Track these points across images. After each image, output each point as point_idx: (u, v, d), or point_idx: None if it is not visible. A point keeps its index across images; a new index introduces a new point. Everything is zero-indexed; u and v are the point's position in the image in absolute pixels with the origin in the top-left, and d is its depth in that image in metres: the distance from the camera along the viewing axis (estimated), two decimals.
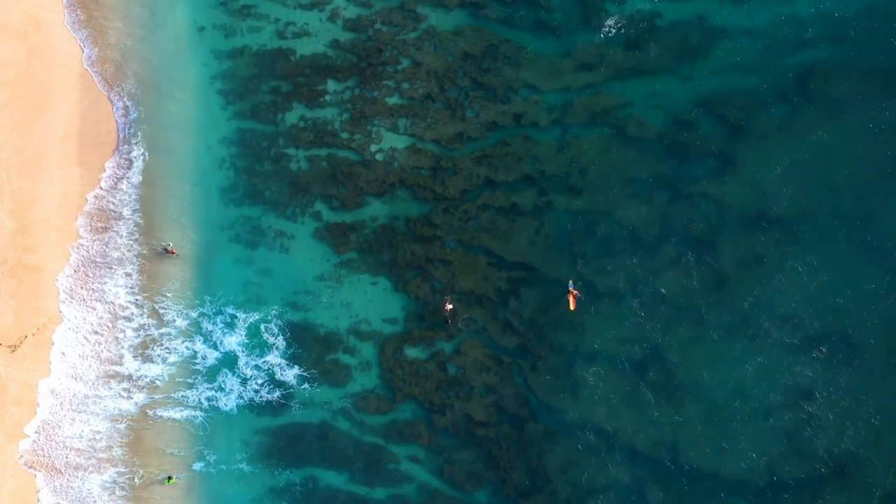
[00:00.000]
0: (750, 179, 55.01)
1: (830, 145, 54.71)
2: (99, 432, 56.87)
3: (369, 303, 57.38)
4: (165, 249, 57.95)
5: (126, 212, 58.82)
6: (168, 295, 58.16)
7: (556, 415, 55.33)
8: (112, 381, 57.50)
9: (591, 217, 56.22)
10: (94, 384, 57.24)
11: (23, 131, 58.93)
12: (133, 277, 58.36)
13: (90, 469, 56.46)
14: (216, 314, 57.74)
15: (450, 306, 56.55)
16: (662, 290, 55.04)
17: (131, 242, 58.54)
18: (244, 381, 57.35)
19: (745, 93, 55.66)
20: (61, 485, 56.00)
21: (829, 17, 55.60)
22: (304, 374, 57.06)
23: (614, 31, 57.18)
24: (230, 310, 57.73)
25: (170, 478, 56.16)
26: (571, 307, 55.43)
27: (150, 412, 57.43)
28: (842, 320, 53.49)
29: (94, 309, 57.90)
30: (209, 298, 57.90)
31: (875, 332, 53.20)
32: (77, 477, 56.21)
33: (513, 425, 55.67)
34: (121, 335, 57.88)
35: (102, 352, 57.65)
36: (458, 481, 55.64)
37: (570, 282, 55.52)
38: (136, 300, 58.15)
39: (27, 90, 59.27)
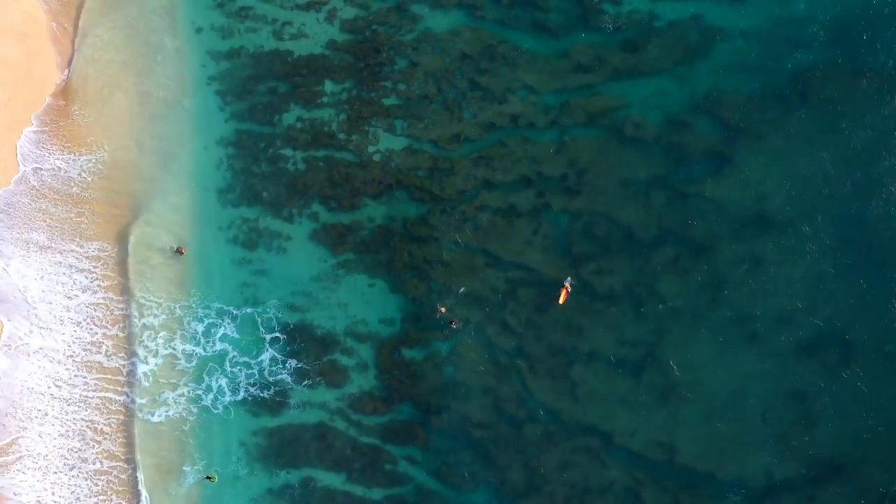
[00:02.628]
0: (748, 180, 54.83)
1: (828, 146, 54.50)
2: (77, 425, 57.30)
3: (366, 304, 57.45)
4: (177, 250, 58.12)
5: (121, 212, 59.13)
6: (165, 295, 58.43)
7: (554, 415, 55.33)
8: (95, 377, 57.95)
9: (588, 218, 56.14)
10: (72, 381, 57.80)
11: (23, 132, 59.07)
12: (138, 278, 58.64)
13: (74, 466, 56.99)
14: (211, 314, 57.89)
15: (443, 310, 56.58)
16: (660, 291, 54.96)
17: (128, 241, 58.81)
18: (240, 381, 57.50)
19: (743, 94, 55.45)
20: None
21: (826, 18, 55.35)
22: (301, 374, 57.19)
23: (612, 29, 57.00)
24: (226, 309, 57.90)
25: (209, 476, 56.45)
26: (560, 301, 55.40)
27: (140, 413, 57.73)
28: (840, 321, 53.32)
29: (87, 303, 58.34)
30: (205, 298, 58.11)
31: (873, 334, 53.01)
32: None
33: (510, 426, 55.71)
34: (115, 333, 58.18)
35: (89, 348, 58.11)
36: (455, 482, 55.74)
37: (568, 277, 55.44)
38: (138, 300, 58.46)
39: (27, 91, 59.39)
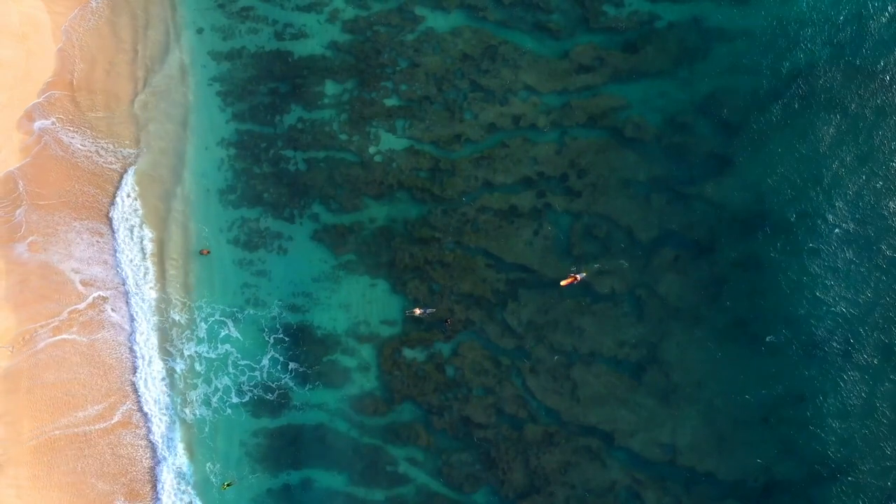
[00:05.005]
0: (747, 181, 55.00)
1: (828, 146, 54.70)
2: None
3: (368, 304, 57.44)
4: (199, 251, 58.15)
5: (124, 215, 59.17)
6: (165, 297, 58.37)
7: (555, 416, 55.37)
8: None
9: (588, 219, 56.22)
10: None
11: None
12: (140, 282, 58.65)
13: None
14: (216, 315, 57.83)
15: (417, 312, 56.65)
16: (660, 291, 55.04)
17: (128, 244, 58.78)
18: (242, 383, 57.42)
19: (743, 94, 55.64)
20: None
21: (826, 19, 55.62)
22: (303, 375, 57.13)
23: (624, 28, 56.91)
24: (228, 311, 57.83)
25: (228, 483, 56.45)
26: (563, 283, 55.46)
27: (174, 411, 57.99)
28: (839, 322, 53.47)
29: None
30: (210, 300, 58.08)
31: (873, 334, 53.16)
32: None
33: (511, 427, 55.73)
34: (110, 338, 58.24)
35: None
36: (456, 483, 55.70)
37: (584, 273, 55.49)
38: (169, 297, 58.72)
39: (26, 91, 59.23)
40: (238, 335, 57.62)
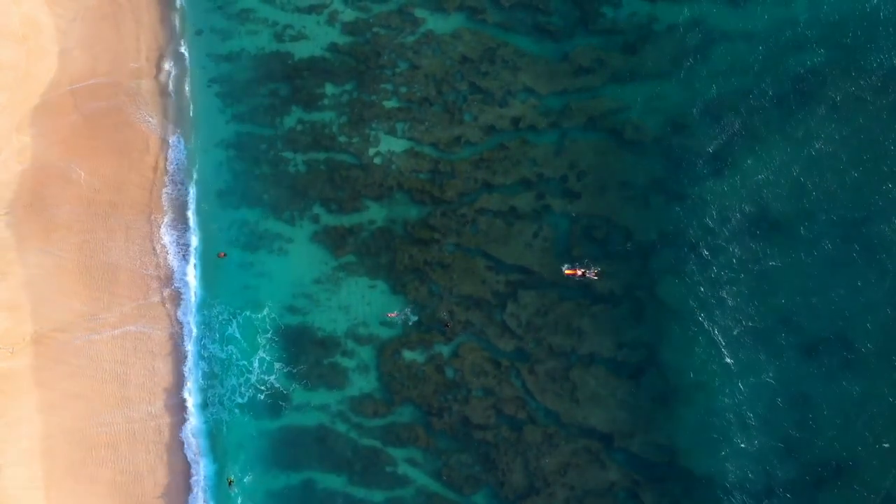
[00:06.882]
0: (747, 182, 55.07)
1: (828, 147, 54.76)
2: None
3: (367, 306, 57.51)
4: (217, 255, 58.44)
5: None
6: (193, 296, 58.90)
7: (554, 417, 55.45)
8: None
9: (588, 220, 56.30)
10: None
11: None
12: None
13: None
14: (222, 315, 57.97)
15: (393, 315, 56.75)
16: (659, 293, 55.12)
17: (125, 245, 58.90)
18: (242, 384, 57.49)
19: (743, 95, 55.68)
20: None
21: (826, 20, 55.68)
22: (302, 376, 57.21)
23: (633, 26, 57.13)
24: (231, 311, 57.95)
25: (230, 480, 56.62)
26: (567, 271, 55.63)
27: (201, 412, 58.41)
28: (840, 323, 53.54)
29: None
30: (213, 302, 58.26)
31: (874, 335, 53.22)
32: None
33: (511, 428, 55.81)
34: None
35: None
36: (456, 484, 55.79)
37: (595, 272, 55.58)
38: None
39: (26, 92, 59.31)
40: (240, 336, 57.76)
